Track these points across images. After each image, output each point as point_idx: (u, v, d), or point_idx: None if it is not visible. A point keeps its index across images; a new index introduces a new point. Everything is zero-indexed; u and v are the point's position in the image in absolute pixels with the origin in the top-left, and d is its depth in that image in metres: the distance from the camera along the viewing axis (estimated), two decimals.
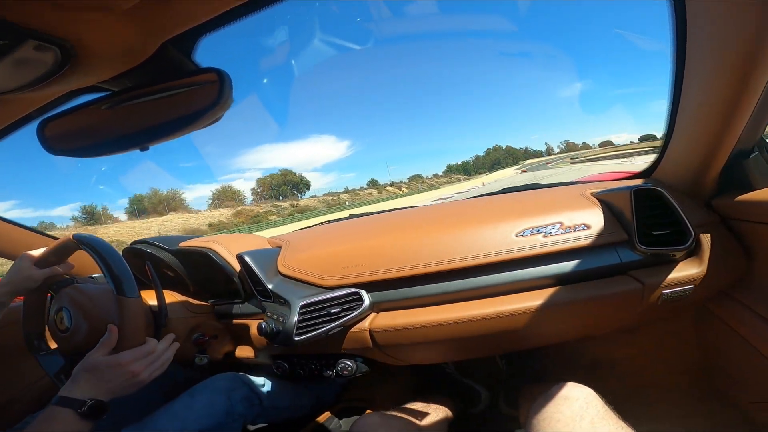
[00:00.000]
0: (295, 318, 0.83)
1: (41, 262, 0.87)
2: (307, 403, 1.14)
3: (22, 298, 0.90)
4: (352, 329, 0.87)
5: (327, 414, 1.08)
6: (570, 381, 0.69)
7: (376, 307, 0.88)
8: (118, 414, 0.90)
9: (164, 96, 0.64)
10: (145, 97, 0.64)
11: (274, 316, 0.87)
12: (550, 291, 0.80)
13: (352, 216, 1.34)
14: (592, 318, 0.84)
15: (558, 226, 0.83)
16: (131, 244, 1.11)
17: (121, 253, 0.79)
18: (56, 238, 1.17)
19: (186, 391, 0.94)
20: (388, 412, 0.92)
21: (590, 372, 1.09)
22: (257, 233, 1.77)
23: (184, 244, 1.06)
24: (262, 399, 1.02)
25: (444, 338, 0.82)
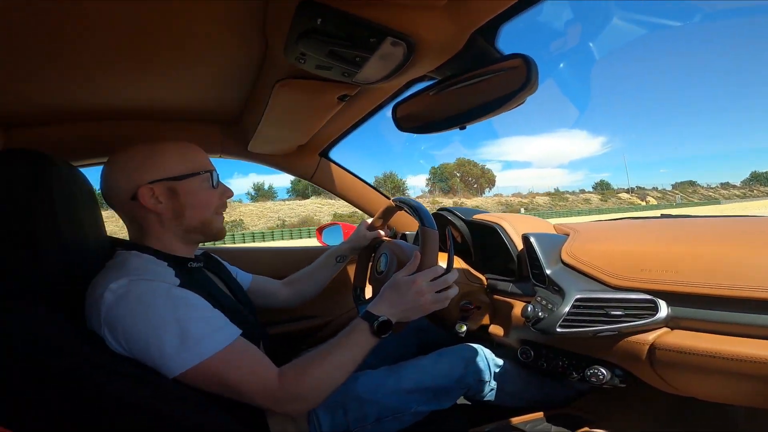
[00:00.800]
0: (566, 309, 0.78)
1: (371, 226, 1.21)
2: (533, 396, 1.07)
3: None
4: (629, 338, 0.75)
5: (539, 414, 0.97)
6: None
7: (672, 322, 0.72)
8: (382, 353, 1.12)
9: (476, 82, 0.73)
10: (461, 84, 0.75)
11: (543, 302, 0.85)
12: None
13: (664, 216, 1.11)
14: None
15: None
16: (437, 210, 1.35)
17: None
18: (388, 197, 1.58)
19: (437, 350, 1.04)
20: None
21: None
22: None
23: (476, 217, 1.19)
24: (492, 378, 1.04)
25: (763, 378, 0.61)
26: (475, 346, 1.08)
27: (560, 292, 0.82)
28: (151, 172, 0.76)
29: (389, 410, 0.90)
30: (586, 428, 0.89)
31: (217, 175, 0.84)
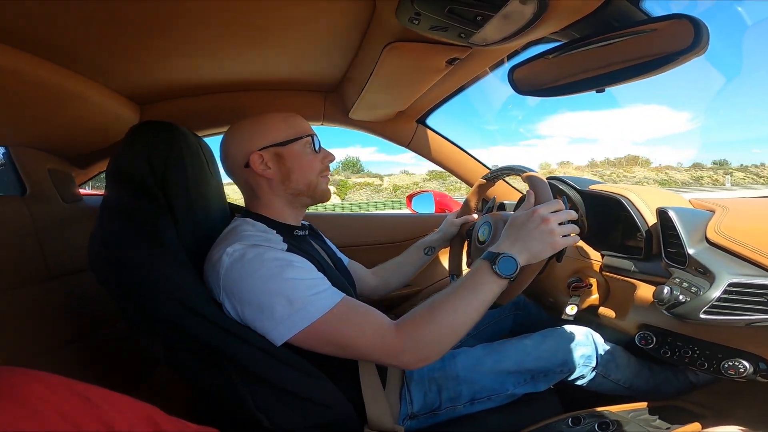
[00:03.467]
0: (716, 294, 0.69)
1: (461, 212, 1.19)
2: (640, 386, 0.97)
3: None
4: None
5: (642, 404, 0.88)
6: None
7: None
8: (474, 330, 1.07)
9: (616, 43, 0.66)
10: (601, 44, 0.68)
11: (684, 284, 0.76)
12: None
13: None
14: None
15: None
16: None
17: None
18: (487, 168, 1.50)
19: (540, 331, 0.98)
20: None
21: None
22: None
23: (594, 188, 1.08)
24: (597, 364, 0.95)
25: None
26: (583, 328, 1.01)
27: (707, 275, 0.73)
28: (259, 139, 0.81)
29: (485, 391, 0.87)
30: (698, 424, 0.80)
31: (319, 140, 0.87)
